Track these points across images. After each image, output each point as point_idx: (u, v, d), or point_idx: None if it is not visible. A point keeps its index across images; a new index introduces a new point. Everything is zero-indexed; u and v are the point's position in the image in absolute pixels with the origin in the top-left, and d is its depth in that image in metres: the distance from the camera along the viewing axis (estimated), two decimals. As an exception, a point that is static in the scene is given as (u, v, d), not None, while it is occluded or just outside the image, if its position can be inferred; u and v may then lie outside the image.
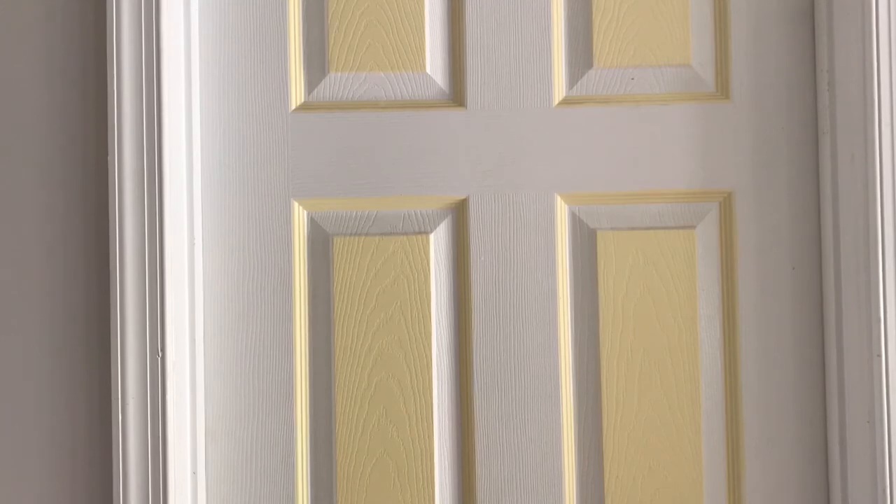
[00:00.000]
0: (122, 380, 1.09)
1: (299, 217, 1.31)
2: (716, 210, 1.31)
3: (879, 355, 1.09)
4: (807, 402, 1.24)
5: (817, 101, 1.18)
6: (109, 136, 1.10)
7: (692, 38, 1.30)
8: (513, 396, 1.31)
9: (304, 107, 1.30)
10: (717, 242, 1.32)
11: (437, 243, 1.32)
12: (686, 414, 1.29)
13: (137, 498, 1.09)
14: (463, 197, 1.32)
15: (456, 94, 1.34)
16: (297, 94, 1.31)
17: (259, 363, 1.27)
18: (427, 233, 1.32)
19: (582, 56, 1.33)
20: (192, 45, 1.19)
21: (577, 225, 1.33)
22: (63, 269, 1.12)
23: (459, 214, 1.33)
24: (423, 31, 1.34)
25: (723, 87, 1.30)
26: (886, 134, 1.09)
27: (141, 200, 1.10)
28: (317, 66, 1.33)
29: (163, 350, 1.10)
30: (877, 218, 1.09)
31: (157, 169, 1.10)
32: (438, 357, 1.31)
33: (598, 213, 1.32)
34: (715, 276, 1.30)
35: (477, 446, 1.30)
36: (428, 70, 1.34)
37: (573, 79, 1.33)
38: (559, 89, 1.32)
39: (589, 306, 1.31)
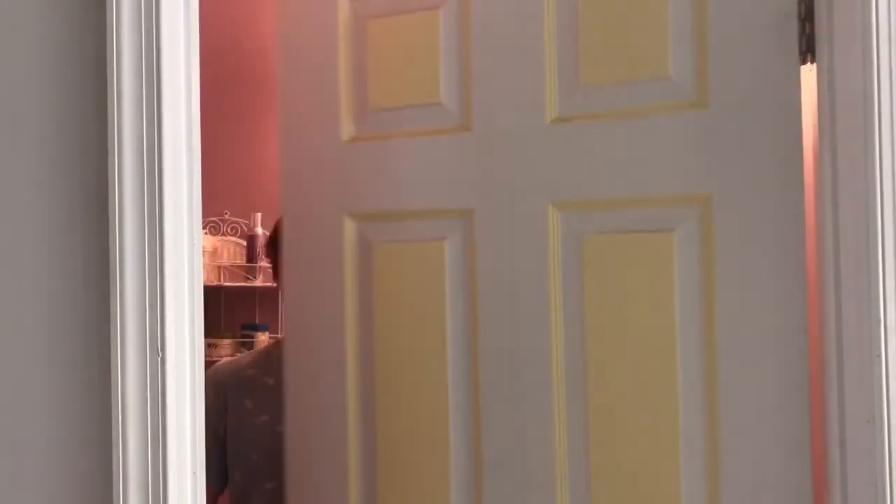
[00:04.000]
0: (122, 380, 1.09)
1: (349, 230, 1.59)
2: (695, 214, 1.35)
3: (879, 355, 1.09)
4: (788, 400, 1.28)
5: (818, 101, 1.18)
6: (109, 136, 1.10)
7: (671, 51, 1.36)
8: (511, 385, 1.46)
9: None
10: (696, 245, 1.34)
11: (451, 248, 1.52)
12: (662, 401, 1.37)
13: (137, 498, 1.09)
14: (470, 208, 1.48)
15: (465, 120, 1.50)
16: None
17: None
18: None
19: (571, 77, 1.41)
20: (193, 44, 1.19)
21: (567, 230, 1.42)
22: (63, 269, 1.12)
23: (468, 224, 1.50)
24: (438, 66, 1.51)
25: (701, 96, 1.35)
26: (886, 134, 1.09)
27: (141, 200, 1.10)
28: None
29: (163, 350, 1.10)
30: (876, 218, 1.09)
31: (158, 169, 1.10)
32: (454, 344, 1.50)
33: (586, 219, 1.41)
34: (695, 277, 1.35)
35: (483, 418, 1.48)
36: (443, 101, 1.51)
37: (564, 98, 1.42)
38: (551, 109, 1.43)
39: (575, 302, 1.42)
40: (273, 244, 1.77)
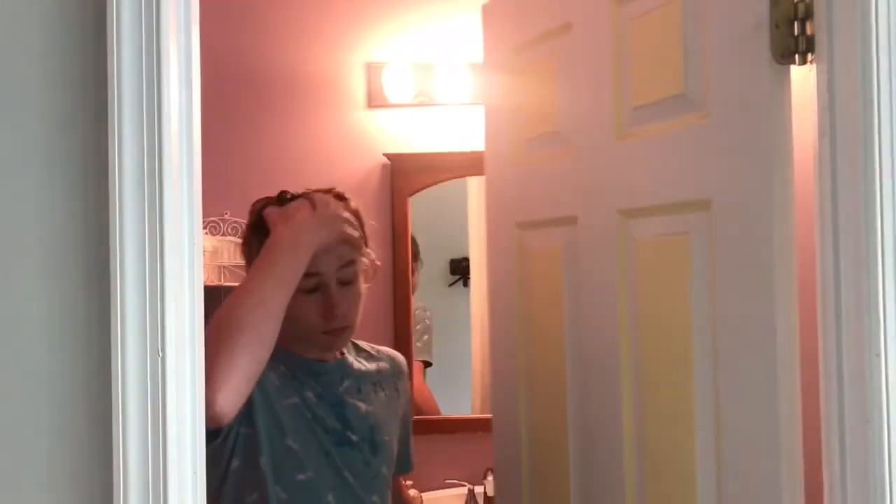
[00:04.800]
0: (122, 380, 1.09)
1: (518, 236, 1.96)
2: (703, 219, 1.42)
3: (878, 355, 1.09)
4: (783, 401, 1.29)
5: (818, 101, 1.18)
6: (110, 137, 1.10)
7: (684, 69, 1.47)
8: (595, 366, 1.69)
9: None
10: (705, 249, 1.43)
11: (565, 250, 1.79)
12: (680, 403, 1.47)
13: (137, 498, 1.09)
14: (574, 214, 1.72)
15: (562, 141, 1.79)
16: None
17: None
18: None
19: (626, 100, 1.60)
20: (193, 44, 1.19)
21: (626, 234, 1.60)
22: (63, 270, 1.12)
23: (572, 228, 1.74)
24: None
25: (704, 107, 1.43)
26: (886, 134, 1.09)
27: (141, 201, 1.10)
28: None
29: (163, 350, 1.10)
30: (876, 218, 1.09)
31: (158, 169, 1.10)
32: (564, 330, 1.77)
33: (639, 225, 1.58)
34: (706, 280, 1.42)
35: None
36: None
37: (623, 118, 1.61)
38: (618, 127, 1.62)
39: (633, 302, 1.59)
40: (257, 233, 1.66)
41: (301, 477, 1.59)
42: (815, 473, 1.22)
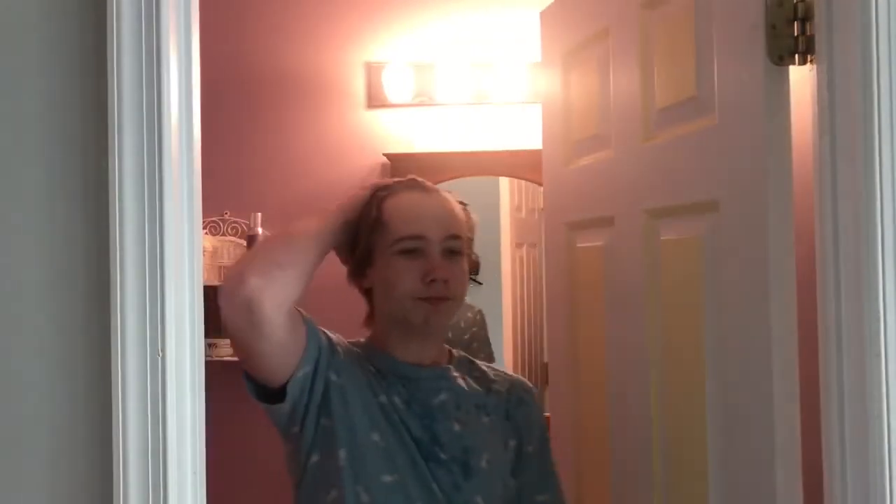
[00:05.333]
0: (122, 380, 1.09)
1: (567, 236, 2.03)
2: (712, 218, 1.44)
3: (878, 354, 1.09)
4: (781, 396, 1.31)
5: (818, 101, 1.18)
6: (110, 136, 1.10)
7: (696, 71, 1.50)
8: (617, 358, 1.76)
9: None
10: (715, 249, 1.45)
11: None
12: (694, 402, 1.51)
13: (137, 498, 1.09)
14: (611, 215, 1.78)
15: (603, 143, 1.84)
16: None
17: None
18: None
19: (651, 104, 1.64)
20: (193, 44, 1.19)
21: (649, 233, 1.63)
22: (63, 270, 1.12)
23: (609, 229, 1.80)
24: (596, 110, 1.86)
25: (713, 109, 1.45)
26: (886, 134, 1.09)
27: (141, 200, 1.10)
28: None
29: (163, 350, 1.10)
30: (876, 217, 1.09)
31: (157, 169, 1.10)
32: (605, 332, 1.82)
33: (663, 225, 1.62)
34: (715, 281, 1.44)
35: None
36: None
37: (649, 122, 1.65)
38: (645, 131, 1.67)
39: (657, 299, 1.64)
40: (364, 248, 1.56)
41: (388, 479, 1.45)
42: (816, 473, 1.22)
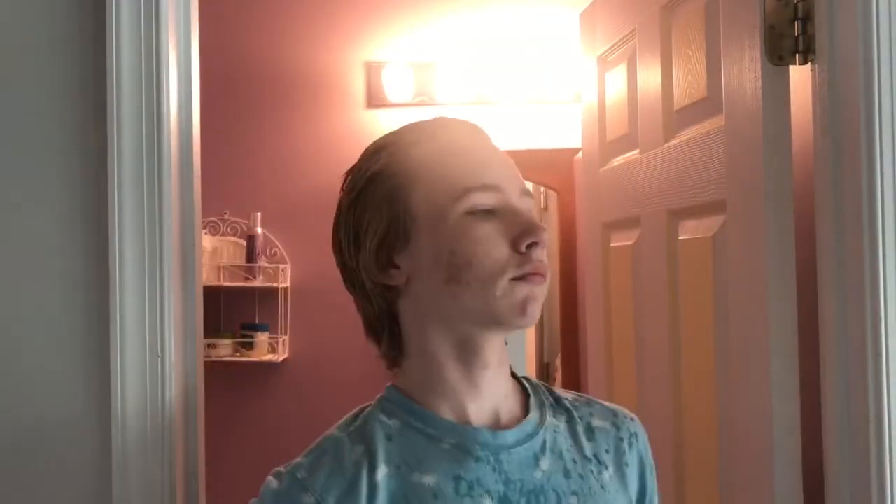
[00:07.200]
0: (122, 380, 1.09)
1: (603, 236, 2.04)
2: (720, 218, 1.45)
3: (880, 354, 1.09)
4: (783, 392, 1.29)
5: (818, 101, 1.18)
6: (109, 137, 1.10)
7: (706, 73, 1.49)
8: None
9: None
10: (722, 248, 1.46)
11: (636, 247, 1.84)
12: (708, 398, 1.52)
13: (138, 498, 1.09)
14: (638, 214, 1.81)
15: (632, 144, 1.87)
16: None
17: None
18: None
19: (670, 107, 1.66)
20: (193, 44, 1.19)
21: (670, 233, 1.65)
22: (63, 270, 1.12)
23: (637, 229, 1.83)
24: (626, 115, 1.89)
25: (721, 110, 1.45)
26: (887, 134, 1.09)
27: (141, 201, 1.10)
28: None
29: (163, 350, 1.10)
30: (877, 217, 1.09)
31: (157, 168, 1.10)
32: (633, 331, 1.85)
33: (681, 225, 1.63)
34: (723, 280, 1.45)
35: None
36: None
37: (667, 124, 1.68)
38: (666, 133, 1.67)
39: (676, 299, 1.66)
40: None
41: None
42: (815, 473, 1.22)
